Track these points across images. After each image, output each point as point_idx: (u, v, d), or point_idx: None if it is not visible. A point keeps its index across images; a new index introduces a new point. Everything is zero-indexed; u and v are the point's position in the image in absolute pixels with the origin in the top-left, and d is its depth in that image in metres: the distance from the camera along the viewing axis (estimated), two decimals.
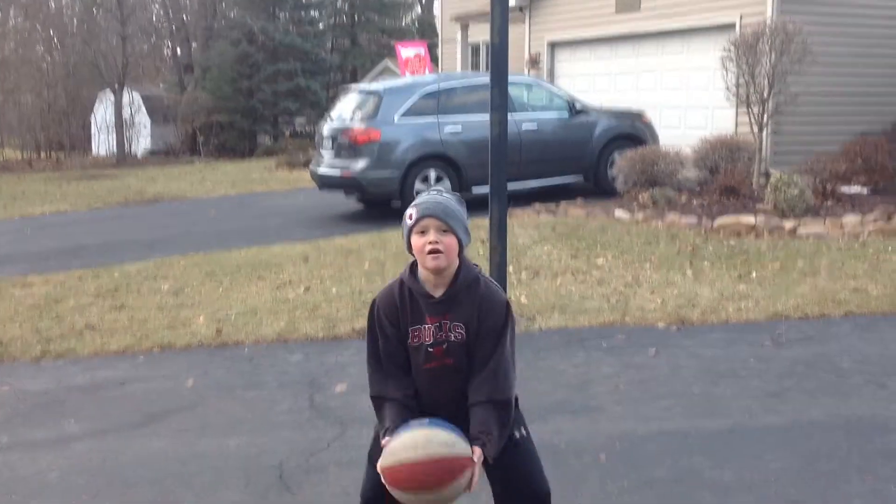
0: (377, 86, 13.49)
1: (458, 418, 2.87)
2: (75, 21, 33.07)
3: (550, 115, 13.25)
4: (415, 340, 2.95)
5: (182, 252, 10.45)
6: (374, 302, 2.98)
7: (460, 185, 12.15)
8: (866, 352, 6.10)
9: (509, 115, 11.96)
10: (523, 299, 7.76)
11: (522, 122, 12.74)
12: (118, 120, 26.26)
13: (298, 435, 5.09)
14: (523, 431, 3.12)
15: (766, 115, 11.94)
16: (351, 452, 4.81)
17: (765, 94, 11.84)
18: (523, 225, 10.94)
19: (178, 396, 5.85)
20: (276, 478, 4.52)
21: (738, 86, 12.12)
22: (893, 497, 4.07)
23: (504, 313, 2.96)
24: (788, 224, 9.94)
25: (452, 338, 2.93)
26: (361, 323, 7.16)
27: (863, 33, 13.27)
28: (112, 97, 27.14)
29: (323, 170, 12.67)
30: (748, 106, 11.95)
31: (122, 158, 25.41)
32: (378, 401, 2.99)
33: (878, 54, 13.38)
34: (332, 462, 4.70)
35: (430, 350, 2.94)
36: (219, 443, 5.05)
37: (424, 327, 2.93)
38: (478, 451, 2.79)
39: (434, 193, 2.97)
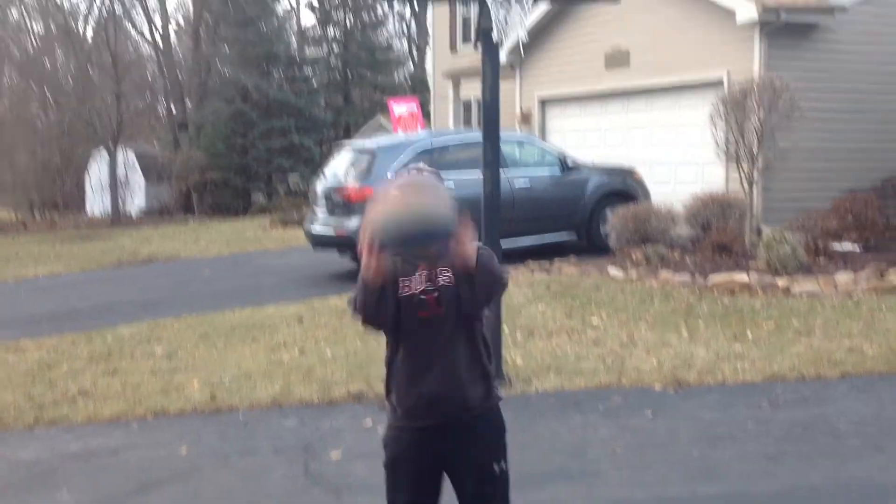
0: (370, 143, 13.59)
1: (449, 380, 3.04)
2: (70, 79, 33.32)
3: (542, 171, 13.34)
4: (405, 290, 3.05)
5: (176, 314, 10.42)
6: None
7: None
8: (863, 413, 6.08)
9: (501, 171, 12.09)
10: (519, 360, 7.74)
11: (515, 178, 12.81)
12: (112, 179, 26.35)
13: None
14: (503, 465, 3.18)
15: (755, 172, 12.03)
16: None
17: (754, 151, 11.94)
18: (517, 283, 10.95)
19: (172, 465, 5.79)
20: None
21: (727, 142, 12.23)
22: None
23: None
24: (782, 282, 9.96)
25: (441, 281, 3.05)
26: (357, 386, 7.14)
27: (850, 89, 13.44)
28: (106, 156, 27.25)
29: (317, 228, 12.69)
30: (738, 162, 12.05)
31: (117, 218, 25.45)
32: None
33: (865, 110, 13.53)
34: None
35: (423, 298, 3.05)
36: None
37: (415, 276, 3.06)
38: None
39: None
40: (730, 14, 13.19)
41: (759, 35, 12.93)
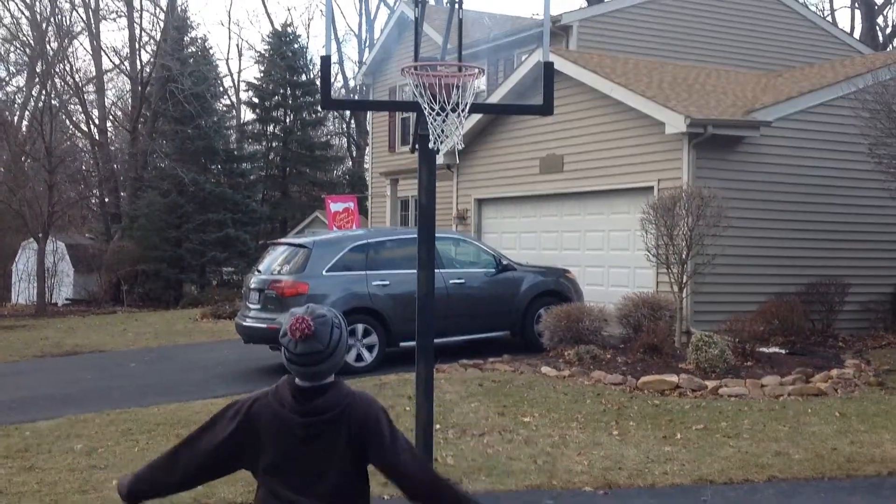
0: (306, 239, 13.57)
1: None
2: (2, 169, 32.93)
3: (477, 270, 13.44)
4: None
5: (98, 409, 10.09)
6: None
7: (388, 339, 12.12)
8: None
9: (438, 270, 12.19)
10: (450, 460, 7.64)
11: (450, 277, 12.88)
12: (40, 269, 25.78)
13: None
14: None
15: (685, 276, 12.28)
16: None
17: (683, 256, 12.21)
18: (450, 380, 10.89)
19: None
20: None
21: (657, 246, 12.49)
22: None
23: None
24: (711, 384, 10.09)
25: None
26: None
27: (775, 199, 13.86)
28: (35, 245, 26.76)
29: (249, 322, 12.53)
30: (668, 266, 12.30)
31: (42, 308, 24.80)
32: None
33: (787, 218, 13.94)
34: None
35: None
36: None
37: None
38: None
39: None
40: (660, 125, 13.62)
41: (688, 146, 13.35)
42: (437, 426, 8.51)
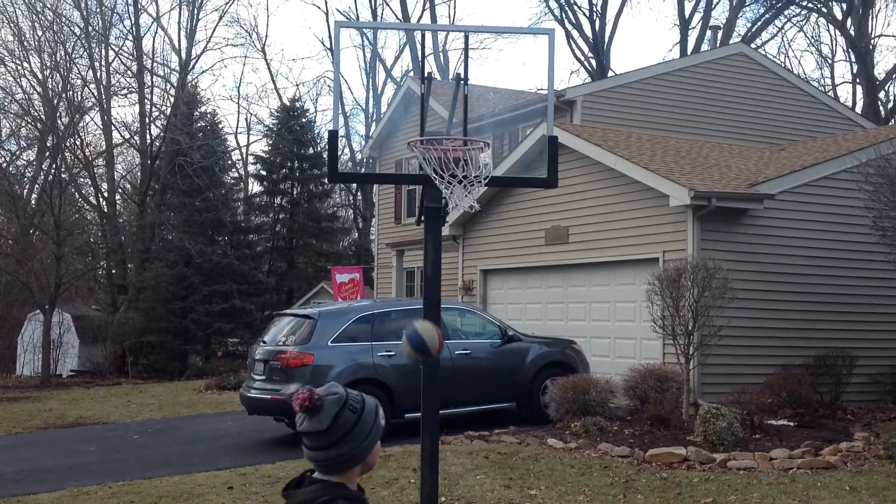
0: (312, 310, 13.60)
1: None
2: (10, 241, 33.13)
3: (483, 341, 13.43)
4: None
5: (100, 481, 10.00)
6: None
7: (393, 411, 12.05)
8: None
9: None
10: None
11: (455, 348, 12.85)
12: (46, 340, 25.78)
13: None
14: None
15: (691, 347, 12.25)
16: None
17: (689, 327, 12.19)
18: (456, 452, 10.79)
19: None
20: None
21: (663, 318, 12.48)
22: None
23: None
24: (719, 457, 9.98)
25: None
26: None
27: (780, 271, 13.89)
28: (41, 317, 26.80)
29: (253, 394, 12.48)
30: (674, 337, 12.27)
31: (47, 380, 24.72)
32: None
33: (795, 291, 13.94)
34: None
35: None
36: None
37: None
38: None
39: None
40: (664, 197, 13.72)
41: (692, 218, 13.44)
42: (443, 499, 8.42)
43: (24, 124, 34.51)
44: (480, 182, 6.27)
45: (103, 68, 34.04)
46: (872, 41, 34.94)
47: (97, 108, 34.81)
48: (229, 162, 40.52)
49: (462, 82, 6.79)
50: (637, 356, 14.08)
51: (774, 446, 10.41)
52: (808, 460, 9.86)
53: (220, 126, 35.68)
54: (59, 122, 30.79)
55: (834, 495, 8.50)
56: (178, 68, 35.80)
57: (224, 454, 11.63)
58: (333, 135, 6.46)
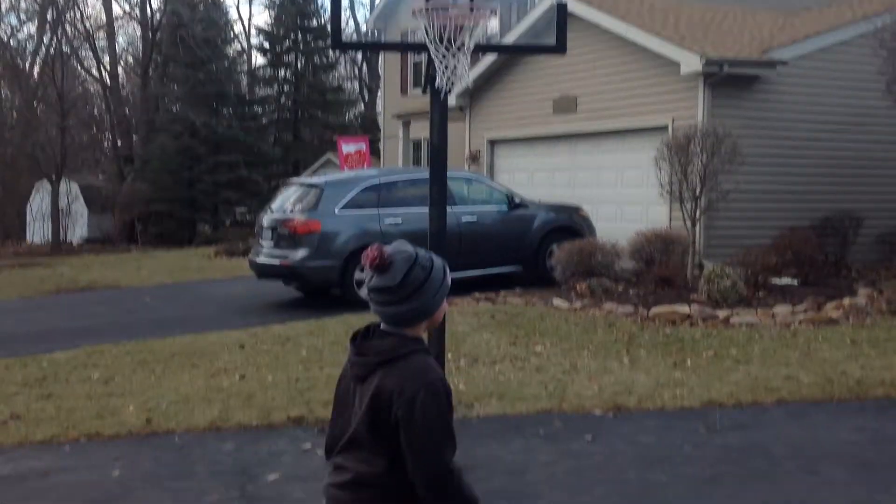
0: (318, 179, 13.61)
1: None
2: (14, 114, 32.94)
3: (490, 208, 13.44)
4: None
5: (114, 340, 10.21)
6: (446, 384, 2.72)
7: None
8: (798, 438, 6.16)
9: (450, 208, 12.19)
10: (461, 386, 7.72)
11: (462, 214, 12.89)
12: (54, 209, 25.96)
13: None
14: None
15: (698, 211, 12.24)
16: None
17: (697, 192, 12.17)
18: (463, 313, 10.96)
19: (104, 487, 5.66)
20: None
21: (671, 183, 12.44)
22: None
23: None
24: (722, 313, 10.11)
25: None
26: (297, 411, 7.06)
27: (789, 136, 13.76)
28: (49, 187, 26.89)
29: (262, 259, 12.62)
30: (681, 202, 12.25)
31: (57, 246, 25.01)
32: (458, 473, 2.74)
33: (803, 154, 13.86)
34: None
35: None
36: None
37: None
38: None
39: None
40: (675, 65, 13.48)
41: (703, 85, 13.23)
42: (449, 355, 8.58)
43: None
44: (487, 50, 6.12)
45: None
46: None
47: None
48: (231, 34, 39.83)
49: None
50: (644, 221, 14.09)
51: (777, 303, 10.52)
52: (811, 315, 9.98)
53: None
54: None
55: (835, 347, 8.64)
56: None
57: (235, 315, 11.84)
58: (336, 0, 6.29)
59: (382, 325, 2.78)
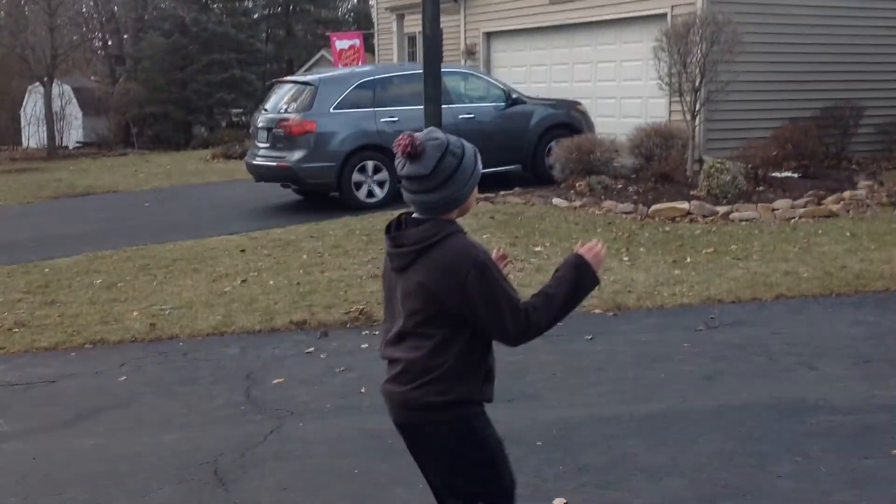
0: (312, 77, 13.37)
1: None
2: (2, 14, 32.25)
3: (487, 105, 13.27)
4: None
5: (115, 246, 10.24)
6: (487, 254, 2.73)
7: (398, 176, 12.07)
8: (797, 334, 6.22)
9: (446, 105, 12.03)
10: None
11: (459, 112, 12.73)
12: (48, 112, 25.65)
13: (234, 430, 5.03)
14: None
15: (698, 104, 12.08)
16: (288, 445, 4.78)
17: (696, 84, 11.98)
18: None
19: (111, 393, 5.75)
20: (210, 474, 4.46)
21: (670, 75, 12.24)
22: (822, 477, 4.16)
23: None
24: (721, 209, 10.10)
25: None
26: (300, 315, 7.12)
27: (790, 23, 13.47)
28: (42, 89, 26.53)
29: (258, 161, 12.52)
30: (681, 95, 12.08)
31: (53, 151, 24.82)
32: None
33: (805, 43, 13.60)
34: (269, 456, 4.66)
35: None
36: (152, 440, 4.97)
37: None
38: None
39: None
40: None
41: None
42: None
43: None
44: None
45: None
46: None
47: None
48: None
49: None
50: (643, 115, 13.94)
51: (778, 198, 10.49)
52: (811, 209, 9.97)
53: None
54: None
55: (834, 241, 8.66)
56: None
57: (234, 219, 11.83)
58: None
59: (415, 213, 2.78)
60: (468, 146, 2.77)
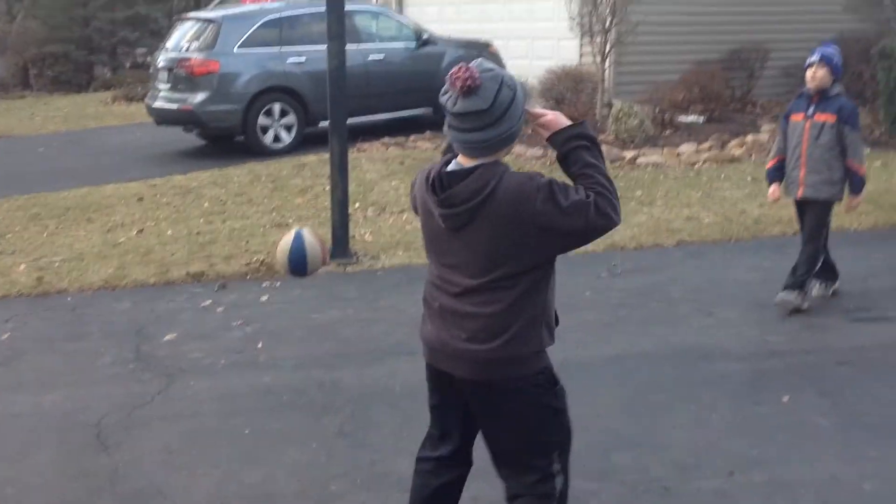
0: (215, 14, 12.91)
1: None
2: None
3: (398, 45, 13.00)
4: None
5: (4, 194, 9.75)
6: (537, 173, 2.57)
7: (307, 120, 11.80)
8: (696, 280, 6.27)
9: (356, 45, 11.73)
10: (368, 237, 7.64)
11: (369, 53, 12.45)
12: None
13: (121, 389, 4.84)
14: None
15: (608, 45, 12.02)
16: (177, 406, 4.62)
17: (607, 24, 11.89)
18: (371, 159, 10.75)
19: None
20: (93, 436, 4.29)
21: (581, 15, 12.13)
22: (713, 424, 4.19)
23: None
24: (629, 154, 10.11)
25: None
26: (197, 266, 6.91)
27: None
28: None
29: (159, 103, 12.05)
30: (591, 36, 12.00)
31: None
32: None
33: None
34: (156, 417, 4.50)
35: None
36: (34, 400, 4.76)
37: None
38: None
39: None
40: None
41: None
42: (357, 205, 8.45)
43: None
44: None
45: None
46: None
47: None
48: None
49: None
50: (554, 57, 13.82)
51: (683, 142, 10.55)
52: (715, 154, 10.05)
53: None
54: None
55: (736, 186, 8.74)
56: None
57: (133, 165, 11.37)
58: None
59: (459, 159, 2.60)
60: (515, 77, 2.59)
